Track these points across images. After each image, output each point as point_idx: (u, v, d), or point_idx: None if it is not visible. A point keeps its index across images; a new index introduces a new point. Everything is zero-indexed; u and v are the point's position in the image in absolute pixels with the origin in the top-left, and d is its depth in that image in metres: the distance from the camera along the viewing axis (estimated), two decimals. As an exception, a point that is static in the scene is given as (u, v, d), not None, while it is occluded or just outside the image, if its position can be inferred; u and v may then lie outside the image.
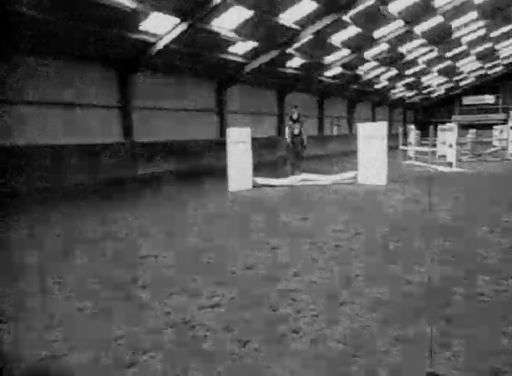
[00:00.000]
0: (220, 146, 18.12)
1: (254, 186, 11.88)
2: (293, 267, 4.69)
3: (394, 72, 32.15)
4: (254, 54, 20.08)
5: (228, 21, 16.26)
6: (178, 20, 14.75)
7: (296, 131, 13.52)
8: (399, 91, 40.20)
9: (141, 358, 2.87)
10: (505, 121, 37.26)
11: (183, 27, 14.87)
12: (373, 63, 28.33)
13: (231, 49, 18.94)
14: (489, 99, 46.60)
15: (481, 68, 40.14)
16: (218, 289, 4.10)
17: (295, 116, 13.75)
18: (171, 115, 19.45)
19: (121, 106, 16.96)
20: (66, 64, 14.87)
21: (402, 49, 27.09)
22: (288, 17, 17.46)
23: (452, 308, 3.53)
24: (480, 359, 2.74)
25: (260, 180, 12.13)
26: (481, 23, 25.52)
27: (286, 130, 13.93)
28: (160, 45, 15.60)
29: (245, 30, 17.36)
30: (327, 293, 3.93)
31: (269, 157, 23.40)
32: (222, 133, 21.17)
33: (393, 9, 19.98)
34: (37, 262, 5.20)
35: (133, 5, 13.01)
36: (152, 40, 15.43)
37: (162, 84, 18.79)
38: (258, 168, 12.78)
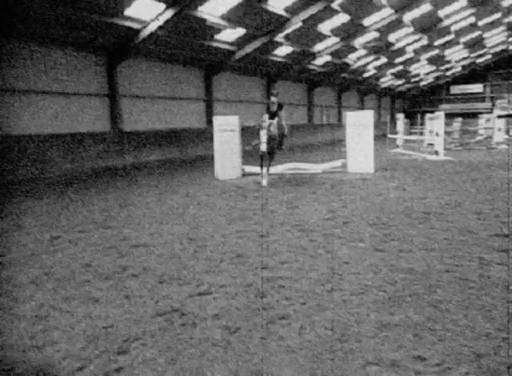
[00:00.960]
0: (208, 134, 18.03)
1: (243, 175, 11.85)
2: (281, 255, 4.71)
3: (383, 60, 32.13)
4: (243, 41, 19.88)
5: (216, 7, 16.03)
6: (164, 6, 14.50)
7: (272, 130, 9.90)
8: (388, 79, 40.26)
9: (131, 345, 2.86)
10: (491, 110, 37.70)
11: (170, 13, 14.62)
12: (362, 52, 28.26)
13: (219, 37, 18.72)
14: (476, 88, 46.96)
15: (469, 57, 40.33)
16: (207, 277, 4.10)
17: (274, 108, 10.15)
18: (160, 103, 19.26)
19: (109, 94, 16.71)
20: (52, 51, 14.57)
21: (391, 38, 27.04)
22: (277, 4, 17.28)
23: (437, 295, 3.58)
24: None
25: (249, 168, 12.10)
26: (469, 11, 25.55)
27: (263, 127, 9.63)
28: (147, 31, 15.34)
29: (233, 17, 17.15)
30: (315, 279, 3.95)
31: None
32: (210, 121, 21.04)
33: (382, -4, 19.88)
34: (23, 252, 5.14)
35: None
36: (138, 26, 15.16)
37: (150, 72, 18.56)
38: (248, 156, 12.72)
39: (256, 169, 12.16)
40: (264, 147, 9.52)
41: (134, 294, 3.75)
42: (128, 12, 14.31)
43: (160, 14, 14.74)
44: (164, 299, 3.62)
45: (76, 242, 5.51)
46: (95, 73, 16.25)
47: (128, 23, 14.79)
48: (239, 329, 3.06)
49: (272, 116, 10.08)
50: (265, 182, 10.01)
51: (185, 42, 17.75)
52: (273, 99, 10.13)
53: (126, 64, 17.18)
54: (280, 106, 10.29)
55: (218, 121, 11.62)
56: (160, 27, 15.17)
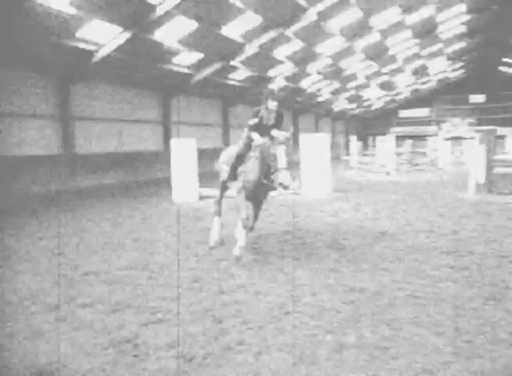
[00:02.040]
0: (165, 157, 17.85)
1: (200, 198, 11.76)
2: (238, 278, 4.68)
3: (335, 85, 33.38)
4: (200, 65, 20.08)
5: (172, 32, 16.17)
6: (120, 29, 14.45)
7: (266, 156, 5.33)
8: (341, 103, 41.77)
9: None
10: (437, 133, 39.85)
11: (126, 36, 14.58)
12: (316, 77, 29.26)
13: (176, 60, 18.81)
14: (423, 112, 49.57)
15: (415, 83, 42.71)
16: (163, 304, 3.99)
17: (271, 119, 5.63)
18: (116, 125, 18.92)
19: (61, 117, 16.24)
20: (4, 72, 14.07)
21: (343, 64, 28.23)
22: (233, 30, 17.67)
23: (390, 313, 3.67)
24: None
25: (206, 191, 12.02)
26: (413, 41, 27.22)
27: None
28: (102, 53, 15.17)
29: (190, 42, 17.34)
30: (272, 303, 3.94)
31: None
32: (167, 144, 20.88)
33: (334, 25, 20.81)
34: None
35: (71, 12, 12.58)
36: (92, 48, 14.97)
37: (105, 94, 18.25)
38: (205, 179, 12.65)
39: (212, 192, 12.07)
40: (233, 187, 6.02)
41: (84, 326, 3.58)
42: (80, 34, 14.12)
43: (115, 37, 14.66)
44: (117, 329, 3.47)
45: (23, 271, 5.22)
46: (47, 94, 15.80)
47: (81, 45, 14.56)
48: (194, 357, 2.98)
49: (265, 133, 5.43)
50: (237, 252, 5.29)
51: (142, 65, 17.68)
52: (271, 104, 5.47)
53: (79, 86, 16.81)
54: (281, 119, 5.78)
55: (175, 143, 11.56)
56: (115, 50, 15.06)
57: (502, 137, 26.35)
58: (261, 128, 5.52)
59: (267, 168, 5.19)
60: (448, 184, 14.11)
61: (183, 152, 11.48)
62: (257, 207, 5.80)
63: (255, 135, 5.47)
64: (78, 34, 14.09)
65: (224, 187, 6.42)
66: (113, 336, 3.34)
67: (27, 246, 6.57)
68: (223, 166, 6.18)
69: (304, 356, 2.95)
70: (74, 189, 15.38)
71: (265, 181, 5.23)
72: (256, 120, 5.52)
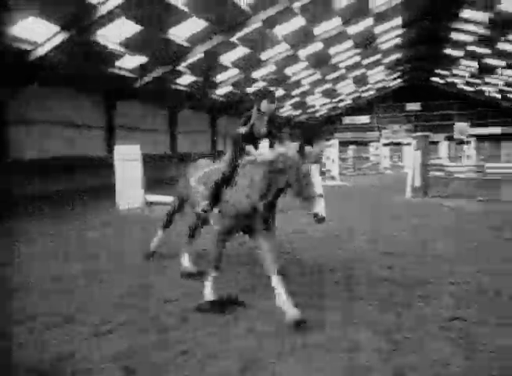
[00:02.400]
0: (109, 162, 17.25)
1: (146, 204, 11.49)
2: (186, 287, 4.61)
3: (281, 92, 33.99)
4: (144, 69, 19.67)
5: (115, 34, 15.74)
6: (57, 28, 13.84)
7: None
8: (287, 110, 42.58)
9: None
10: (378, 139, 41.76)
11: (64, 35, 13.97)
12: (262, 83, 29.64)
13: (119, 63, 18.31)
14: (365, 119, 51.69)
15: (357, 91, 44.49)
16: (107, 316, 3.84)
17: (262, 128, 4.46)
18: (57, 130, 18.02)
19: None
20: None
21: (288, 71, 28.82)
22: (178, 34, 17.51)
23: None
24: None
25: (151, 197, 11.78)
26: (354, 51, 28.37)
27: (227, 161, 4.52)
28: (38, 53, 14.44)
29: (134, 45, 16.95)
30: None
31: (162, 174, 22.86)
32: (110, 150, 20.21)
33: (278, 32, 21.22)
34: None
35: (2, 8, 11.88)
36: (27, 47, 14.21)
37: (43, 97, 17.31)
38: (150, 185, 12.37)
39: (157, 198, 11.83)
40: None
41: (18, 342, 3.35)
42: (14, 32, 13.38)
43: (53, 35, 14.02)
44: (55, 346, 3.28)
45: None
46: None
47: (15, 43, 13.78)
48: (136, 370, 2.88)
49: (253, 144, 4.43)
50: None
51: (82, 67, 17.01)
52: (267, 107, 4.34)
53: (14, 88, 15.86)
54: (275, 126, 4.70)
55: (119, 150, 11.26)
56: (53, 50, 14.39)
57: (436, 143, 28.05)
58: (251, 138, 4.38)
59: (276, 191, 3.94)
60: (388, 187, 14.78)
61: (127, 158, 11.19)
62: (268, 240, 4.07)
63: (251, 148, 4.27)
64: (12, 33, 13.34)
65: (181, 205, 5.58)
66: (49, 353, 3.16)
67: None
68: (199, 188, 4.78)
69: (253, 362, 2.95)
70: (8, 197, 14.44)
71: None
72: (246, 128, 4.36)
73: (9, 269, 5.48)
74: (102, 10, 13.24)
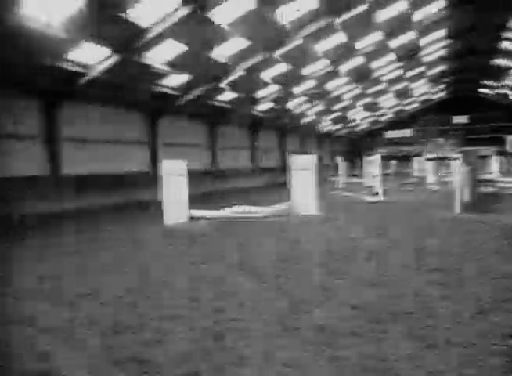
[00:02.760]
0: (153, 178, 17.79)
1: (190, 219, 11.74)
2: (235, 297, 4.68)
3: (321, 107, 34.00)
4: (187, 87, 20.32)
5: (161, 54, 16.41)
6: (109, 52, 14.62)
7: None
8: (327, 124, 42.46)
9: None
10: (422, 154, 40.69)
11: (115, 58, 14.75)
12: (302, 98, 29.80)
13: (164, 82, 19.03)
14: (407, 132, 50.63)
15: (399, 105, 43.76)
16: (163, 324, 3.97)
17: None
18: (103, 147, 18.89)
19: (48, 138, 16.19)
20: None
21: (328, 86, 28.85)
22: (221, 53, 18.02)
23: (381, 328, 3.71)
24: None
25: (196, 213, 12.03)
26: (397, 64, 28.04)
27: None
28: (91, 75, 15.29)
29: (178, 64, 17.59)
30: (269, 320, 3.95)
31: (203, 188, 23.29)
32: (154, 165, 20.87)
33: (319, 48, 21.36)
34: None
35: (62, 35, 12.71)
36: (81, 70, 15.09)
37: (93, 115, 18.26)
38: (193, 200, 12.64)
39: (203, 213, 12.10)
40: None
41: (87, 345, 3.54)
42: (72, 55, 14.26)
43: (105, 59, 14.83)
44: (120, 349, 3.45)
45: (17, 294, 5.14)
46: (33, 115, 15.76)
47: (71, 67, 14.68)
48: (199, 373, 2.99)
49: None
50: None
51: (130, 87, 17.83)
52: None
53: (68, 107, 16.83)
54: None
55: (165, 165, 11.57)
56: (105, 72, 15.21)
57: (485, 157, 27.00)
58: None
59: None
60: (434, 203, 14.34)
61: (174, 173, 11.50)
62: None
63: None
64: (69, 56, 14.22)
65: None
66: (116, 355, 3.32)
67: (20, 269, 6.47)
68: None
69: (306, 369, 2.95)
70: (61, 211, 15.19)
71: None
72: None
73: (72, 279, 5.77)
74: (151, 33, 13.88)
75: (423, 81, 36.37)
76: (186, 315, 4.24)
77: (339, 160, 24.44)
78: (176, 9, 13.32)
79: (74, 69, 14.81)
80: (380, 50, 24.17)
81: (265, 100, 26.33)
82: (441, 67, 33.76)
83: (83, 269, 6.31)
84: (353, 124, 46.60)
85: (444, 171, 30.58)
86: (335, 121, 41.90)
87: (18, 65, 13.42)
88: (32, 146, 15.68)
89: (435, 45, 27.02)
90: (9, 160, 14.79)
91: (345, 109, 37.72)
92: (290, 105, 30.51)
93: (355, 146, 53.90)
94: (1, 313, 4.53)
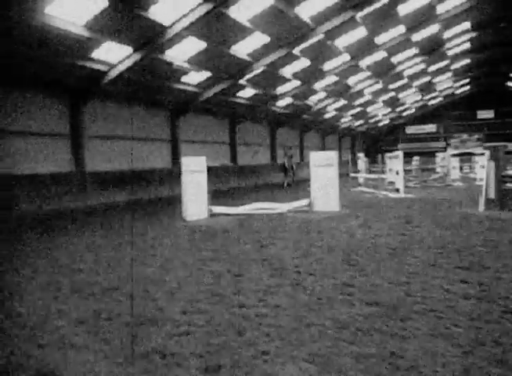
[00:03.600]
0: (174, 174, 18.03)
1: (210, 215, 11.84)
2: (257, 293, 4.72)
3: (342, 102, 33.69)
4: (207, 84, 20.44)
5: (181, 51, 16.57)
6: (131, 50, 14.84)
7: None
8: (347, 120, 42.07)
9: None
10: (445, 149, 39.90)
11: (137, 56, 14.97)
12: (323, 94, 29.59)
13: (184, 79, 19.20)
14: (430, 128, 49.74)
15: (422, 99, 42.98)
16: (185, 318, 4.05)
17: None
18: (125, 144, 19.23)
19: (72, 135, 16.57)
20: (15, 92, 14.44)
21: (349, 81, 28.56)
22: (241, 49, 18.05)
23: (407, 326, 3.70)
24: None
25: (216, 209, 12.13)
26: (419, 58, 27.54)
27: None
28: (113, 73, 15.56)
29: (198, 61, 17.72)
30: (292, 316, 3.98)
31: (222, 185, 23.44)
32: (175, 162, 21.10)
33: (340, 43, 21.16)
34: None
35: (86, 34, 12.97)
36: (104, 68, 15.37)
37: (116, 113, 18.62)
38: (213, 197, 12.75)
39: (223, 209, 12.21)
40: None
41: (112, 338, 3.65)
42: (95, 54, 14.53)
43: (127, 57, 15.05)
44: (143, 341, 3.54)
45: (44, 287, 5.31)
46: (59, 113, 16.16)
47: (95, 65, 14.97)
48: (222, 366, 3.04)
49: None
50: None
51: (151, 84, 18.07)
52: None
53: (91, 105, 17.19)
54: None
55: (185, 161, 11.67)
56: (126, 70, 15.44)
57: None
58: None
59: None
60: (458, 201, 14.08)
61: (194, 169, 11.61)
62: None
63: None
64: (91, 55, 14.50)
65: None
66: (140, 347, 3.40)
67: (46, 263, 6.66)
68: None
69: (329, 365, 2.98)
70: (85, 207, 15.54)
71: None
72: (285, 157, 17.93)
73: (95, 273, 5.92)
74: (172, 31, 14.02)
75: (446, 75, 35.63)
76: (208, 309, 4.30)
77: (360, 156, 24.17)
78: (196, 6, 13.41)
79: (98, 67, 15.10)
80: (402, 44, 23.79)
81: (285, 96, 26.26)
82: (466, 60, 32.99)
83: (109, 262, 6.46)
84: (374, 119, 46.01)
85: (468, 168, 29.97)
86: (356, 117, 41.48)
87: (44, 64, 13.76)
88: (57, 144, 16.08)
89: (460, 38, 26.43)
90: (36, 157, 15.21)
91: (366, 104, 37.29)
92: (311, 101, 30.34)
93: (376, 142, 53.26)
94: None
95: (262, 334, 3.61)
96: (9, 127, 14.26)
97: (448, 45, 26.97)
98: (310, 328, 3.72)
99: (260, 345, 3.39)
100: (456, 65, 33.21)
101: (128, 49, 14.81)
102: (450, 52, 29.02)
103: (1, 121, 14.05)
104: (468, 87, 43.46)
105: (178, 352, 3.32)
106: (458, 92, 44.34)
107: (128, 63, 15.15)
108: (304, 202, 12.76)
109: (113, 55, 14.99)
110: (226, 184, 24.02)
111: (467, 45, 28.86)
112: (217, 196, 13.38)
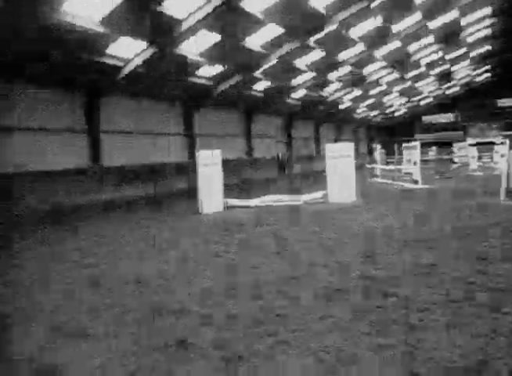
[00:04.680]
0: (190, 168, 18.10)
1: (226, 208, 11.89)
2: (274, 285, 4.73)
3: (357, 93, 33.27)
4: (222, 77, 20.40)
5: (195, 45, 16.54)
6: (145, 44, 14.88)
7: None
8: (363, 111, 41.55)
9: None
10: (463, 139, 39.16)
11: (151, 50, 15.00)
12: (338, 85, 29.26)
13: (199, 73, 19.19)
14: (448, 117, 48.80)
15: (439, 88, 42.14)
16: (203, 310, 4.08)
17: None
18: (141, 138, 19.37)
19: (89, 131, 16.76)
20: (31, 89, 14.65)
21: (365, 71, 28.16)
22: (255, 41, 17.93)
23: (424, 317, 3.65)
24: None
25: (231, 201, 12.17)
26: (436, 46, 26.96)
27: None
28: (128, 68, 15.65)
29: (212, 54, 17.68)
30: (309, 307, 3.98)
31: (238, 178, 23.47)
32: (191, 155, 21.17)
33: (354, 33, 20.85)
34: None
35: (101, 30, 13.05)
36: (119, 64, 15.46)
37: (131, 108, 18.75)
38: (228, 190, 12.77)
39: (238, 202, 12.24)
40: None
41: (132, 328, 3.71)
42: (110, 50, 14.62)
43: (142, 52, 15.11)
44: (162, 332, 3.60)
45: (62, 279, 5.41)
46: (75, 109, 16.34)
47: (110, 61, 15.07)
48: (241, 356, 3.07)
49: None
50: None
51: (165, 79, 18.12)
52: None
53: (106, 101, 17.34)
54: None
55: (201, 155, 11.72)
56: (141, 65, 15.51)
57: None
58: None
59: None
60: (478, 190, 13.81)
61: (209, 163, 11.65)
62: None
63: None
64: (107, 51, 14.59)
65: None
66: (161, 337, 3.46)
67: (62, 256, 6.79)
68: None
69: (344, 356, 2.97)
70: (103, 201, 15.74)
71: None
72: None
73: (113, 266, 6.01)
74: (185, 24, 14.00)
75: (465, 62, 34.81)
76: (226, 301, 4.33)
77: (376, 147, 23.90)
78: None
79: (113, 63, 15.20)
80: (418, 32, 23.30)
81: (299, 88, 26.04)
82: (486, 48, 32.16)
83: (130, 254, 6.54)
84: (390, 109, 45.34)
85: (488, 157, 29.36)
86: (371, 108, 40.93)
87: (60, 61, 13.90)
88: (74, 139, 16.28)
89: (480, 24, 25.74)
90: (53, 153, 15.44)
91: (382, 94, 36.74)
92: (326, 92, 30.05)
93: (392, 133, 52.56)
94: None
95: (280, 325, 3.62)
96: (25, 124, 14.48)
97: (466, 32, 26.31)
98: (327, 319, 3.71)
99: (278, 336, 3.41)
100: (475, 52, 32.42)
101: (143, 44, 14.86)
102: (469, 39, 28.31)
103: (16, 118, 14.27)
104: (487, 75, 42.42)
105: (198, 342, 3.37)
106: (477, 80, 43.34)
107: (143, 57, 15.20)
108: (319, 194, 12.70)
109: (128, 50, 15.07)
110: (242, 176, 24.06)
111: (487, 32, 28.10)
112: (232, 188, 13.40)
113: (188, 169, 19.98)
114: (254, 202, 12.37)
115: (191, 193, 13.86)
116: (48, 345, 3.50)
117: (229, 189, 12.94)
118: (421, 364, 2.88)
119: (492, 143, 32.01)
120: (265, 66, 20.37)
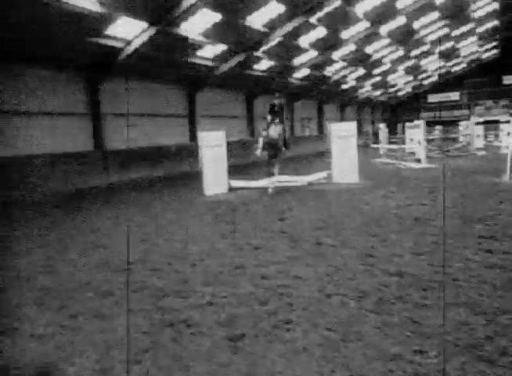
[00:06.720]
0: (192, 150, 18.08)
1: (230, 189, 11.92)
2: (277, 264, 4.82)
3: (361, 72, 32.85)
4: (223, 57, 20.17)
5: (196, 25, 16.31)
6: (146, 25, 14.70)
7: (272, 134, 10.87)
8: (367, 90, 41.07)
9: (145, 356, 2.96)
10: (469, 117, 38.74)
11: (152, 31, 14.82)
12: (341, 64, 28.89)
13: (200, 53, 18.98)
14: (453, 96, 48.22)
15: (445, 66, 41.52)
16: (209, 289, 4.18)
17: (276, 108, 11.01)
18: (143, 121, 19.30)
19: (91, 113, 16.72)
20: (31, 71, 14.57)
21: (369, 49, 27.75)
22: (256, 20, 17.66)
23: (428, 295, 3.73)
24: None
25: (235, 183, 12.20)
26: (442, 22, 26.46)
27: (261, 131, 11.27)
28: (129, 49, 15.48)
29: (214, 34, 17.44)
30: (313, 286, 4.06)
31: (241, 159, 23.40)
32: (193, 137, 21.12)
33: (359, 10, 20.49)
34: (19, 275, 5.14)
35: (99, 9, 12.86)
36: (120, 45, 15.30)
37: (133, 90, 18.59)
38: (232, 171, 12.79)
39: (242, 183, 12.26)
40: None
41: (139, 308, 3.81)
42: (110, 30, 14.46)
43: (142, 32, 14.94)
44: (169, 311, 3.70)
45: (71, 262, 5.52)
46: (76, 92, 16.24)
47: (110, 42, 14.91)
48: (245, 335, 3.16)
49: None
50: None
51: (167, 59, 17.92)
52: (276, 102, 11.19)
53: (108, 83, 17.21)
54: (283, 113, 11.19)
55: (204, 136, 11.70)
56: (142, 45, 15.34)
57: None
58: (272, 116, 11.08)
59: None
60: (482, 170, 13.79)
61: (213, 144, 11.64)
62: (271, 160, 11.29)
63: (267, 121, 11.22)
64: (107, 32, 14.42)
65: None
66: (166, 317, 3.57)
67: (72, 239, 6.90)
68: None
69: (350, 333, 3.06)
70: (107, 184, 15.80)
71: None
72: (270, 116, 11.25)
73: (119, 248, 6.11)
74: (186, 3, 13.80)
75: (471, 39, 34.19)
76: (231, 281, 4.42)
77: (380, 126, 23.73)
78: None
79: (113, 44, 15.04)
80: (423, 8, 22.85)
81: (302, 67, 25.74)
82: (493, 23, 31.52)
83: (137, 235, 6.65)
84: (394, 88, 44.80)
85: (493, 136, 29.13)
86: (375, 87, 40.45)
87: (58, 43, 13.78)
88: (76, 123, 16.26)
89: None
90: (55, 137, 15.46)
91: (386, 73, 36.26)
92: (329, 71, 29.69)
93: (396, 112, 52.07)
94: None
95: (284, 304, 3.71)
96: (26, 108, 14.43)
97: (473, 7, 25.76)
98: (331, 298, 3.80)
99: (282, 315, 3.50)
100: (482, 28, 31.81)
101: (143, 24, 14.66)
102: (475, 15, 27.75)
103: (16, 102, 14.21)
104: (494, 51, 41.68)
105: (202, 322, 3.46)
106: (483, 56, 42.61)
107: (144, 37, 15.01)
108: (323, 174, 12.71)
109: (129, 30, 14.86)
110: (244, 158, 23.97)
111: (495, 6, 27.50)
112: (236, 170, 13.43)
113: (191, 151, 19.93)
114: (258, 183, 12.40)
115: (195, 175, 13.89)
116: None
117: (234, 171, 12.96)
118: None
119: (498, 122, 31.72)
120: (267, 46, 20.12)
